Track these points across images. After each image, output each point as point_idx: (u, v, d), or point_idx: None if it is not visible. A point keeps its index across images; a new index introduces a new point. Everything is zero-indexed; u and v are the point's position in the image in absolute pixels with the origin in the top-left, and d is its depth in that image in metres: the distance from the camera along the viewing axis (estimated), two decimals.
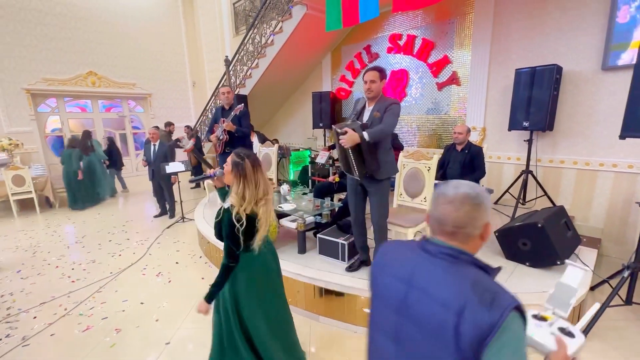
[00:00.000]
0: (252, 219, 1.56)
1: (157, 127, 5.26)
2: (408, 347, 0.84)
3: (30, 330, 2.53)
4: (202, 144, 7.25)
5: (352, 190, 2.55)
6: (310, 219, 3.12)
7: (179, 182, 5.18)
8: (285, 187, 3.62)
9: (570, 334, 0.98)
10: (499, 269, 0.82)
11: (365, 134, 2.17)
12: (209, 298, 1.62)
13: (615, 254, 3.38)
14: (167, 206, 5.38)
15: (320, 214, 3.26)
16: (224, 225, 1.57)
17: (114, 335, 2.47)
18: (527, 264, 2.60)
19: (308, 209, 3.20)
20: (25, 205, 5.91)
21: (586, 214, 3.59)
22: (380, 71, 2.31)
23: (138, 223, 5.18)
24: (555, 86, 3.35)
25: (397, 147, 4.36)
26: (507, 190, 3.90)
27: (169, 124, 7.08)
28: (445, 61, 4.57)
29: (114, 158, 6.99)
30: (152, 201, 6.18)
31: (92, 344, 2.38)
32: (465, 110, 4.46)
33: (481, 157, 3.49)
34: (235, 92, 6.22)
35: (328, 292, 2.54)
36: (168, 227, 4.86)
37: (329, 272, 2.66)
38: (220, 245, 1.63)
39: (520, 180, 3.71)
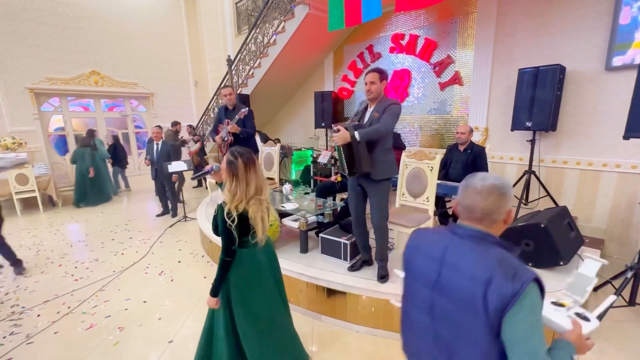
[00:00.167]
0: (243, 216, 1.59)
1: (159, 127, 5.28)
2: (441, 318, 0.98)
3: (34, 328, 2.55)
4: (205, 143, 7.27)
5: (352, 190, 2.56)
6: (312, 218, 3.13)
7: (181, 181, 5.20)
8: (287, 187, 3.62)
9: (585, 318, 1.05)
10: (520, 248, 0.99)
11: (356, 134, 2.21)
12: (213, 292, 1.68)
13: (618, 254, 3.37)
14: (170, 205, 5.40)
15: (322, 214, 3.26)
16: (219, 221, 1.62)
17: (117, 334, 2.48)
18: (530, 264, 2.59)
19: (310, 208, 3.20)
20: (29, 204, 5.93)
21: (589, 215, 3.58)
22: (381, 72, 2.33)
23: (140, 222, 5.20)
24: (558, 86, 3.33)
25: (399, 147, 4.36)
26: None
27: (175, 123, 6.92)
28: (447, 61, 4.56)
29: (118, 156, 7.02)
30: (155, 200, 6.20)
31: (96, 342, 2.40)
32: (468, 110, 4.45)
33: (484, 157, 3.49)
34: (238, 92, 6.23)
35: (330, 291, 2.55)
36: (170, 226, 4.88)
37: (331, 271, 2.66)
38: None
39: (523, 180, 3.70)
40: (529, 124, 3.48)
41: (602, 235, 3.43)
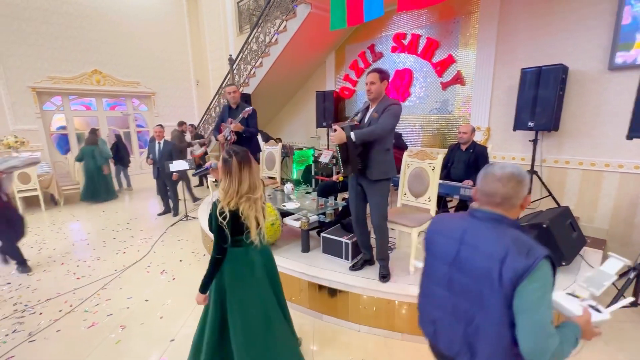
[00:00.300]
0: (235, 214, 1.60)
1: (161, 126, 5.29)
2: (459, 291, 1.09)
3: (37, 326, 2.56)
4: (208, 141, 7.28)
5: (352, 190, 2.57)
6: (314, 217, 3.13)
7: (187, 181, 5.21)
8: (289, 186, 3.62)
9: (597, 310, 1.10)
10: (534, 230, 1.04)
11: (352, 134, 2.24)
12: (202, 289, 1.72)
13: (621, 255, 3.35)
14: (171, 204, 5.41)
15: (324, 213, 3.26)
16: (212, 218, 1.64)
17: (119, 332, 2.49)
18: None
19: (312, 208, 3.20)
20: (31, 203, 5.95)
21: (591, 215, 3.56)
22: (381, 73, 2.34)
23: (142, 221, 5.21)
24: (561, 86, 3.32)
25: (401, 146, 4.36)
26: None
27: (181, 123, 6.85)
28: (449, 60, 4.55)
29: (120, 155, 7.04)
30: (156, 199, 6.21)
31: (98, 340, 2.40)
32: (470, 110, 4.44)
33: (486, 156, 3.48)
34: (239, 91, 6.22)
35: (332, 291, 2.55)
36: (172, 225, 4.89)
37: (332, 271, 2.66)
38: None
39: None
40: (531, 123, 3.47)
41: (605, 235, 3.42)
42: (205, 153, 7.00)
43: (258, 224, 1.68)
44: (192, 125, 7.80)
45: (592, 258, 2.79)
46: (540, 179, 3.64)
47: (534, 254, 0.92)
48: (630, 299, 1.30)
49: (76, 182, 6.45)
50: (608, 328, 2.33)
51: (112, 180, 6.71)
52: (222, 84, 7.36)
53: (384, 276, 2.49)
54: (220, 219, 1.58)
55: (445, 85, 4.66)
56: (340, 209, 3.37)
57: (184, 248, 4.07)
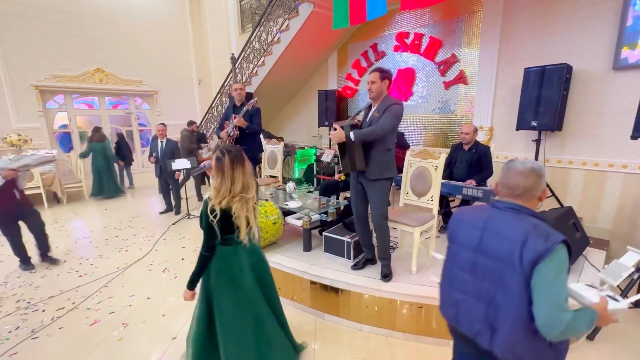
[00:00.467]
0: (226, 213, 1.60)
1: (164, 124, 5.29)
2: (481, 273, 1.19)
3: (40, 324, 2.57)
4: (209, 141, 7.27)
5: (353, 189, 2.57)
6: (316, 216, 3.13)
7: (185, 178, 5.21)
8: (291, 185, 3.62)
9: (615, 300, 1.15)
10: (565, 215, 1.15)
11: (351, 134, 2.26)
12: (189, 285, 1.74)
13: None
14: (173, 203, 5.41)
15: (326, 212, 3.26)
16: (202, 216, 1.64)
17: (122, 330, 2.50)
18: None
19: (314, 206, 3.20)
20: (33, 201, 5.86)
21: (594, 215, 3.55)
22: (382, 72, 2.35)
23: (144, 219, 5.22)
24: (565, 86, 3.30)
25: (403, 146, 4.35)
26: None
27: (191, 123, 6.76)
28: (452, 60, 4.54)
29: (122, 153, 7.06)
30: (158, 197, 6.23)
31: (100, 337, 2.41)
32: (473, 109, 4.43)
33: (488, 156, 3.47)
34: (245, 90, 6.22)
35: (333, 290, 2.55)
36: (174, 224, 4.90)
37: (334, 270, 2.66)
38: None
39: None
40: (534, 123, 3.45)
41: (608, 236, 3.41)
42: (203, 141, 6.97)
43: (248, 224, 1.67)
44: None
45: (595, 258, 2.78)
46: None
47: (552, 238, 1.03)
48: None
49: (79, 180, 6.47)
50: (610, 329, 2.32)
51: (117, 177, 6.83)
52: (224, 83, 7.36)
53: (386, 275, 2.49)
54: (210, 217, 1.58)
55: (448, 85, 4.65)
56: (342, 208, 3.37)
57: (185, 246, 4.07)
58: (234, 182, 1.61)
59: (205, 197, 1.67)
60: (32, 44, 6.96)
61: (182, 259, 3.72)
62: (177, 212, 5.36)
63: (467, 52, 4.39)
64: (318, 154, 5.38)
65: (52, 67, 7.24)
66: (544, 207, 3.49)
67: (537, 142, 3.61)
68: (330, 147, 4.53)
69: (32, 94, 7.10)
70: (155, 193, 6.62)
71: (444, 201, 3.49)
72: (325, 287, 2.58)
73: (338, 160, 4.50)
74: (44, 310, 2.75)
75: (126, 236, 4.46)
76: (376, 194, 2.43)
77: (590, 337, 2.27)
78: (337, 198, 3.77)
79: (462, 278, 1.26)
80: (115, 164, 6.79)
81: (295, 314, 2.71)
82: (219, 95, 7.58)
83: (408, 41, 5.00)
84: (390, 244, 2.72)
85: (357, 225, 2.65)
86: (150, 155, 5.26)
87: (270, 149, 4.69)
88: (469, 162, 3.53)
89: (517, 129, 3.64)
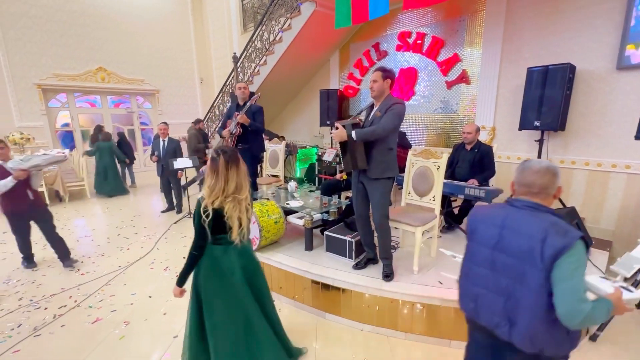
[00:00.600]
0: (219, 213, 1.60)
1: (166, 123, 5.30)
2: (501, 269, 1.24)
3: (42, 321, 2.58)
4: (210, 140, 7.28)
5: (354, 188, 2.57)
6: (317, 216, 3.13)
7: (186, 177, 5.22)
8: (292, 184, 3.62)
9: (629, 290, 1.20)
10: (568, 215, 1.19)
11: (353, 133, 2.26)
12: (178, 282, 1.77)
13: None
14: (175, 201, 5.42)
15: (327, 212, 3.26)
16: (195, 215, 1.65)
17: (123, 328, 2.50)
18: None
19: (315, 206, 3.20)
20: None
21: (597, 216, 3.53)
22: (384, 71, 2.36)
23: (146, 218, 5.23)
24: (568, 85, 3.29)
25: (405, 146, 4.34)
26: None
27: (198, 121, 6.75)
28: (455, 59, 4.52)
29: (123, 152, 7.06)
30: (159, 196, 6.24)
31: (102, 335, 2.42)
32: (475, 109, 4.41)
33: (491, 156, 3.45)
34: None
35: (335, 289, 2.54)
36: (175, 223, 4.90)
37: (336, 269, 2.66)
38: None
39: None
40: (537, 123, 3.44)
41: (611, 236, 3.39)
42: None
43: (240, 224, 1.66)
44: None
45: (598, 259, 2.77)
46: None
47: (571, 235, 1.09)
48: None
49: (81, 179, 6.49)
50: (614, 330, 2.31)
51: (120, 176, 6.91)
52: (225, 82, 7.37)
53: (388, 275, 2.48)
54: (203, 217, 1.58)
55: (450, 84, 4.63)
56: (343, 207, 3.37)
57: (187, 245, 4.06)
58: (227, 182, 1.61)
59: (198, 196, 1.67)
60: (35, 42, 6.98)
61: (184, 257, 3.69)
62: (179, 211, 5.37)
63: (470, 51, 4.38)
64: (320, 154, 5.38)
65: (54, 66, 7.27)
66: None
67: (540, 142, 3.59)
68: (331, 147, 4.53)
69: (35, 92, 7.13)
70: (157, 192, 6.63)
71: (445, 201, 3.48)
72: (326, 287, 2.57)
73: (339, 159, 4.49)
74: (46, 308, 2.76)
75: (128, 235, 4.47)
76: (377, 194, 2.43)
77: (593, 338, 2.26)
78: (339, 197, 3.77)
79: (481, 274, 1.31)
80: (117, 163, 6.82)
81: (296, 313, 2.71)
82: (221, 94, 7.59)
83: (410, 41, 4.98)
84: (392, 244, 2.71)
85: (358, 225, 2.65)
86: (152, 154, 5.27)
87: (272, 148, 4.69)
88: (471, 162, 3.51)
89: (520, 128, 3.63)
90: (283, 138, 6.50)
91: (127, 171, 7.40)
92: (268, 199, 3.25)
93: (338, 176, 3.97)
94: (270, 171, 4.64)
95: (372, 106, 2.48)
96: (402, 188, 3.12)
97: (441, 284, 2.43)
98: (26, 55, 6.90)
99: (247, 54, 6.49)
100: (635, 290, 1.21)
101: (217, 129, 6.89)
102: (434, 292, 2.32)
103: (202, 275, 1.71)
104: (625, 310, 1.15)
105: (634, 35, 3.09)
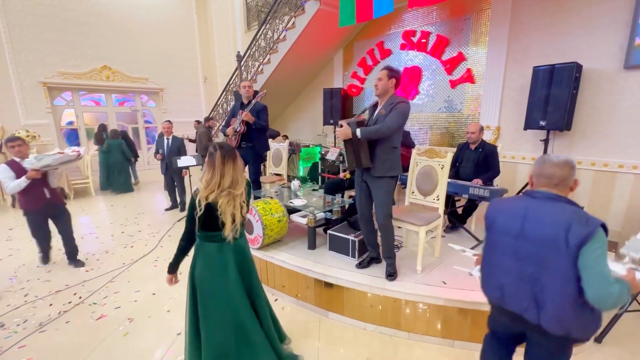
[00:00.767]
0: (212, 207, 1.62)
1: (170, 121, 5.32)
2: (525, 257, 1.29)
3: (47, 317, 2.60)
4: (213, 138, 7.29)
5: (357, 187, 2.57)
6: (320, 215, 3.12)
7: (190, 175, 5.23)
8: (295, 183, 3.62)
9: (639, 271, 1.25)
10: (582, 207, 1.26)
11: (358, 131, 2.26)
12: (168, 269, 1.88)
13: None
14: (179, 199, 5.44)
15: (330, 210, 3.26)
16: (189, 206, 1.68)
17: (127, 325, 2.52)
18: None
19: (319, 205, 3.20)
20: None
21: (603, 217, 3.49)
22: (390, 70, 2.36)
23: (149, 215, 5.26)
24: (574, 85, 3.25)
25: (409, 145, 4.32)
26: (521, 191, 3.83)
27: (208, 119, 6.75)
28: (459, 58, 4.50)
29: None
30: (163, 194, 6.26)
31: (106, 332, 2.43)
32: (480, 108, 4.39)
33: (495, 156, 3.43)
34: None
35: (338, 288, 2.54)
36: (179, 220, 4.92)
37: (339, 268, 2.65)
38: None
39: None
40: (543, 123, 3.41)
41: (617, 237, 3.35)
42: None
43: (234, 221, 1.67)
44: (198, 121, 7.83)
45: None
46: None
47: (593, 223, 1.16)
48: None
49: (85, 177, 6.53)
50: (620, 333, 2.29)
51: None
52: (229, 81, 7.38)
53: (391, 274, 2.48)
54: (197, 209, 1.61)
55: (454, 84, 4.61)
56: (347, 206, 3.36)
57: None
58: (223, 176, 1.63)
59: (194, 189, 1.70)
60: (40, 41, 7.03)
61: (187, 255, 3.74)
62: (182, 209, 5.39)
63: (475, 50, 4.35)
64: (323, 152, 5.37)
65: (59, 65, 7.32)
66: None
67: (546, 142, 3.56)
68: (335, 146, 4.52)
69: (40, 90, 7.19)
70: (161, 190, 6.66)
71: (449, 200, 3.46)
72: (329, 286, 2.57)
73: (343, 158, 4.48)
74: (51, 304, 2.79)
75: (132, 232, 4.49)
76: (381, 193, 2.42)
77: (598, 340, 2.24)
78: (342, 196, 3.76)
79: (505, 263, 1.36)
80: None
81: (299, 311, 2.71)
82: (225, 93, 7.60)
83: (414, 39, 4.96)
84: (395, 243, 2.70)
85: (361, 224, 2.65)
86: (157, 153, 5.29)
87: (275, 146, 4.69)
88: (476, 161, 3.49)
89: (525, 128, 3.60)
90: (286, 137, 6.50)
91: (130, 169, 7.44)
92: (271, 198, 3.26)
93: (341, 175, 3.96)
94: (274, 170, 4.65)
95: (375, 105, 2.47)
96: (406, 187, 3.11)
97: (445, 283, 2.42)
98: (32, 54, 6.96)
99: (251, 53, 6.49)
100: None
101: (220, 128, 6.91)
102: (437, 292, 2.32)
103: (197, 272, 1.74)
104: (639, 288, 1.23)
105: None
